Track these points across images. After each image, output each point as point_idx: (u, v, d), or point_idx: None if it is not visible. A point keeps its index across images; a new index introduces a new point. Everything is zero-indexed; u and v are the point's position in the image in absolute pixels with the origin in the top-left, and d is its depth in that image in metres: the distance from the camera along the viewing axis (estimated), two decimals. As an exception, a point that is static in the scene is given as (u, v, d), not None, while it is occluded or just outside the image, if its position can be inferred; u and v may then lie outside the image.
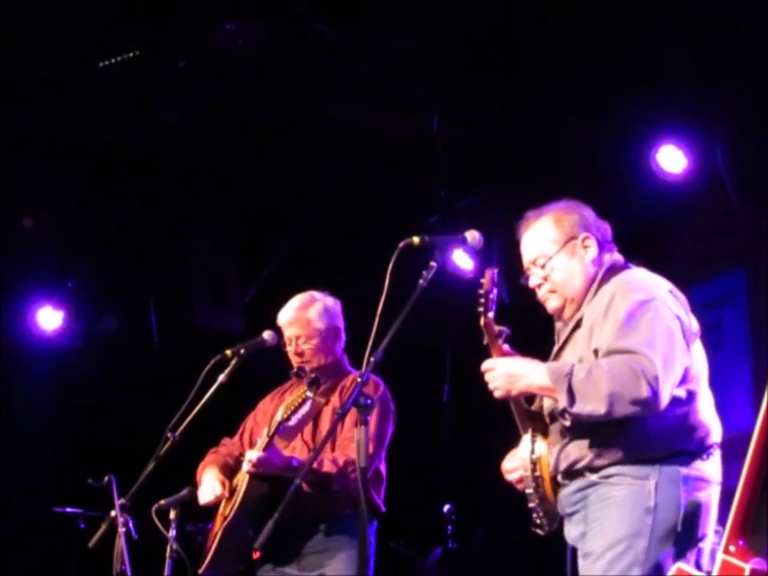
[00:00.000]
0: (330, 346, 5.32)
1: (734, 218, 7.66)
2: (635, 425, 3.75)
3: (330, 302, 5.41)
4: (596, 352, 3.82)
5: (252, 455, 4.95)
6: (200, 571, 5.08)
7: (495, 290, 4.00)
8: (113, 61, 7.06)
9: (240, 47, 6.96)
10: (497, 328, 4.01)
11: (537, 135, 7.68)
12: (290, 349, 5.30)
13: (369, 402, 3.69)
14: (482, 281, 4.01)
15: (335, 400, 5.16)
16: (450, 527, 8.09)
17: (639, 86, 7.07)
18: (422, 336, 7.04)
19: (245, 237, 8.81)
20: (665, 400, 3.69)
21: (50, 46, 6.96)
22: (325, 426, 5.14)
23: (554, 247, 4.04)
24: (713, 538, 4.19)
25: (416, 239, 3.94)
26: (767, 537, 2.98)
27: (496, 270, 4.03)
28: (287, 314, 5.36)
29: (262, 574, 5.14)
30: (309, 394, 4.94)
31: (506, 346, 4.02)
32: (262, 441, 5.04)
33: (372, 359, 3.77)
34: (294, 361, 5.30)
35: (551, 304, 4.08)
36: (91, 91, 7.36)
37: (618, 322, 3.78)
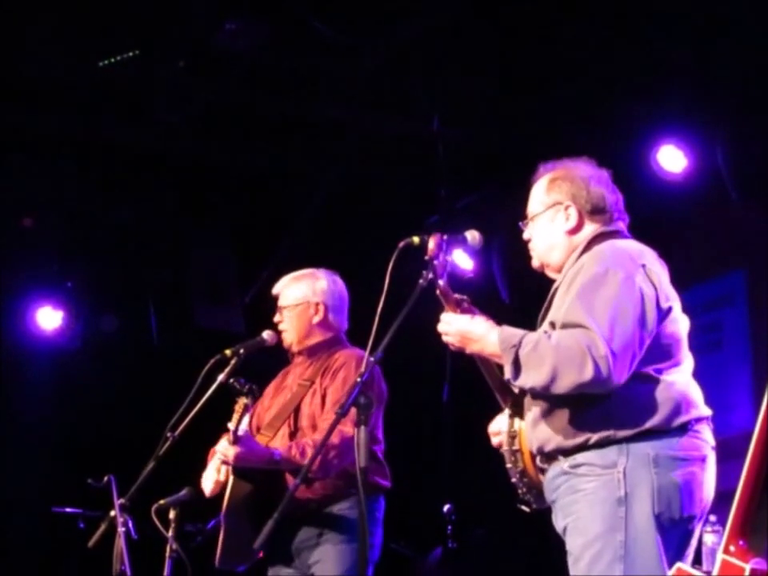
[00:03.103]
0: (307, 322, 5.32)
1: (735, 218, 7.65)
2: (600, 404, 3.68)
3: (322, 281, 5.40)
4: (552, 324, 3.78)
5: (228, 451, 4.94)
6: (216, 565, 5.08)
7: (443, 257, 3.87)
8: (113, 60, 7.06)
9: (240, 47, 6.97)
10: (455, 296, 3.93)
11: (536, 135, 7.68)
12: (276, 318, 5.37)
13: (368, 401, 3.69)
14: (429, 246, 3.89)
15: (318, 381, 5.19)
16: (449, 527, 8.08)
17: (639, 85, 7.07)
18: (421, 336, 7.04)
19: (244, 236, 8.81)
20: (615, 378, 3.61)
21: (49, 45, 6.95)
22: (307, 408, 5.17)
23: (541, 208, 4.05)
24: (711, 533, 4.19)
25: (416, 239, 3.93)
26: (767, 537, 2.97)
27: (443, 236, 3.91)
28: (279, 283, 5.45)
29: (270, 572, 5.18)
30: (246, 401, 4.97)
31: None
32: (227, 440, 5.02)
33: (372, 359, 3.78)
34: (279, 331, 5.33)
35: (532, 262, 4.10)
36: (91, 90, 7.36)
37: (575, 294, 3.74)
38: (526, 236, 4.10)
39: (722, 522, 3.64)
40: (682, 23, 6.64)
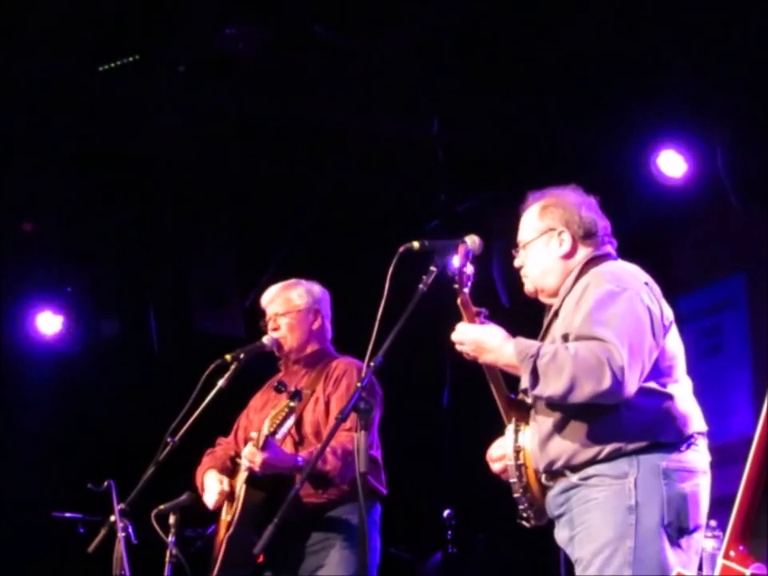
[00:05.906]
0: (307, 328, 5.34)
1: (735, 222, 7.66)
2: (609, 418, 3.75)
3: (316, 288, 5.44)
4: (565, 337, 3.84)
5: (256, 457, 4.93)
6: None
7: (469, 266, 3.98)
8: (113, 64, 7.06)
9: (240, 51, 6.97)
10: (474, 308, 3.99)
11: (537, 140, 7.69)
12: (269, 326, 5.36)
13: (368, 407, 3.69)
14: (456, 256, 3.99)
15: (320, 390, 5.20)
16: (449, 532, 8.08)
17: (639, 90, 7.07)
18: (421, 340, 7.04)
19: (244, 241, 8.81)
20: (629, 389, 3.68)
21: (50, 49, 6.95)
22: (309, 416, 5.17)
23: (534, 235, 4.11)
24: (711, 538, 4.21)
25: (416, 244, 3.96)
26: (767, 542, 2.97)
27: (468, 247, 4.01)
28: (269, 293, 5.45)
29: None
30: (292, 404, 4.95)
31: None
32: (254, 445, 5.00)
33: (372, 364, 3.78)
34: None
35: (525, 288, 4.17)
36: (92, 95, 7.36)
37: (588, 309, 3.81)
38: (517, 263, 4.17)
39: (722, 526, 3.65)
40: (681, 28, 6.64)
